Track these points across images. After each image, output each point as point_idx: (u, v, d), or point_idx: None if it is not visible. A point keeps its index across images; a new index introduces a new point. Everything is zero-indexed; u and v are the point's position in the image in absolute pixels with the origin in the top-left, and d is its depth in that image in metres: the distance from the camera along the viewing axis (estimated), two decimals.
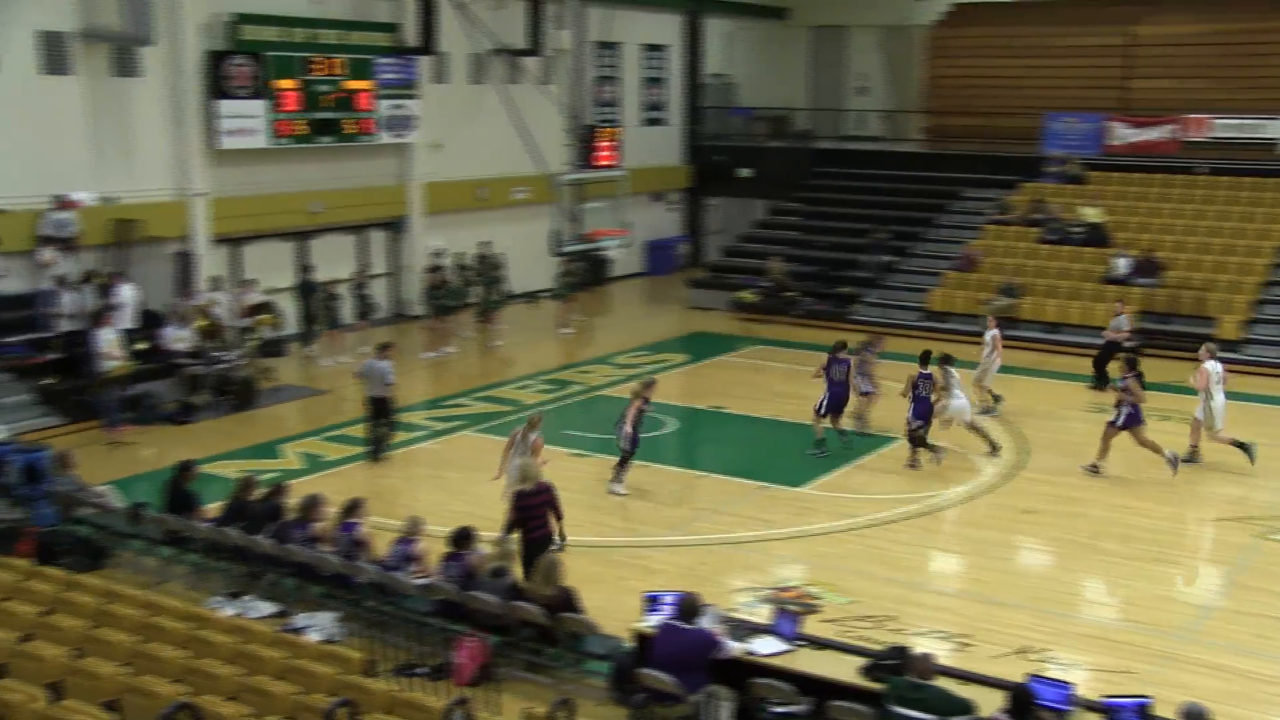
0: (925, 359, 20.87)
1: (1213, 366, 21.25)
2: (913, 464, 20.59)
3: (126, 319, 23.74)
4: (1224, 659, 13.94)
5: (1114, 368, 23.05)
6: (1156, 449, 20.24)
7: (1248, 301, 28.82)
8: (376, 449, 21.30)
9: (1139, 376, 20.48)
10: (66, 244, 24.32)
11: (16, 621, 12.08)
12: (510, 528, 15.28)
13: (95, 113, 25.55)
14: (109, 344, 22.22)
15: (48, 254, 23.72)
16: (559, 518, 15.59)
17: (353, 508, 15.25)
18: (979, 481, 20.05)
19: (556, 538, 15.50)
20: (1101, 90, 37.30)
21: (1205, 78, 36.20)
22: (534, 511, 15.32)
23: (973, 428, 21.36)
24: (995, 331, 24.10)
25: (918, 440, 20.61)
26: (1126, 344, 25.64)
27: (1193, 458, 21.07)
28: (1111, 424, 20.42)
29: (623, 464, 19.61)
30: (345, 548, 14.81)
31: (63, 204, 24.33)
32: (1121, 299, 27.63)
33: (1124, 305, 26.87)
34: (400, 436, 22.19)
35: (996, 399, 23.96)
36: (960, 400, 21.06)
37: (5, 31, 23.99)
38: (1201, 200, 32.57)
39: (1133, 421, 20.19)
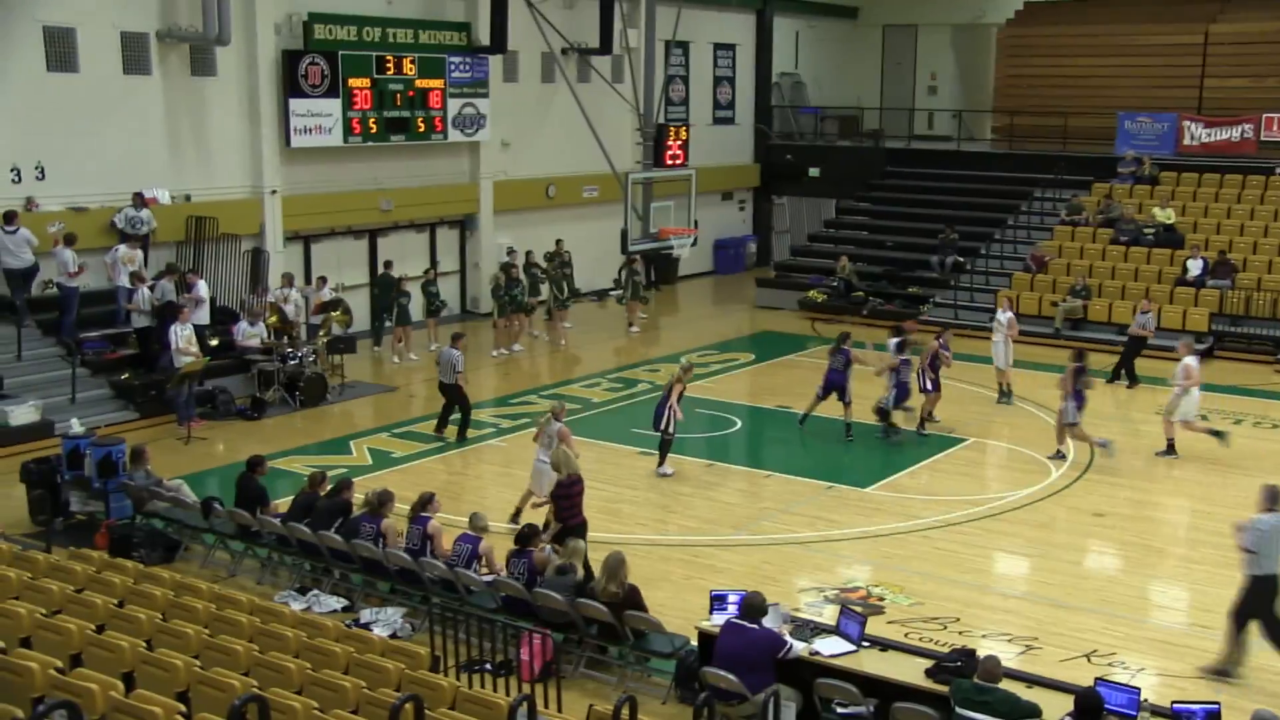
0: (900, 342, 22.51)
1: (1190, 362, 21.41)
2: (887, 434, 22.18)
3: (202, 315, 24.02)
4: None
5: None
6: (1086, 437, 21.00)
7: None
8: (459, 432, 22.25)
9: (1083, 370, 21.09)
10: (141, 241, 24.63)
11: (92, 612, 12.26)
12: (555, 517, 15.92)
13: (173, 112, 25.91)
14: (184, 339, 22.49)
15: (122, 250, 24.03)
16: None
17: (425, 502, 15.37)
18: (1047, 483, 19.92)
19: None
20: (1176, 89, 36.96)
21: None
22: (572, 500, 15.77)
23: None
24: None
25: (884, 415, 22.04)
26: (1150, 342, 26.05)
27: (1169, 450, 21.42)
28: (1070, 424, 21.10)
29: (666, 447, 20.25)
30: (416, 542, 14.94)
31: (143, 201, 24.65)
32: (1147, 296, 27.46)
33: (1150, 303, 26.62)
34: (469, 434, 22.35)
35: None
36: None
37: (88, 32, 24.37)
38: (1277, 200, 32.10)
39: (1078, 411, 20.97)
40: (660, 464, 20.36)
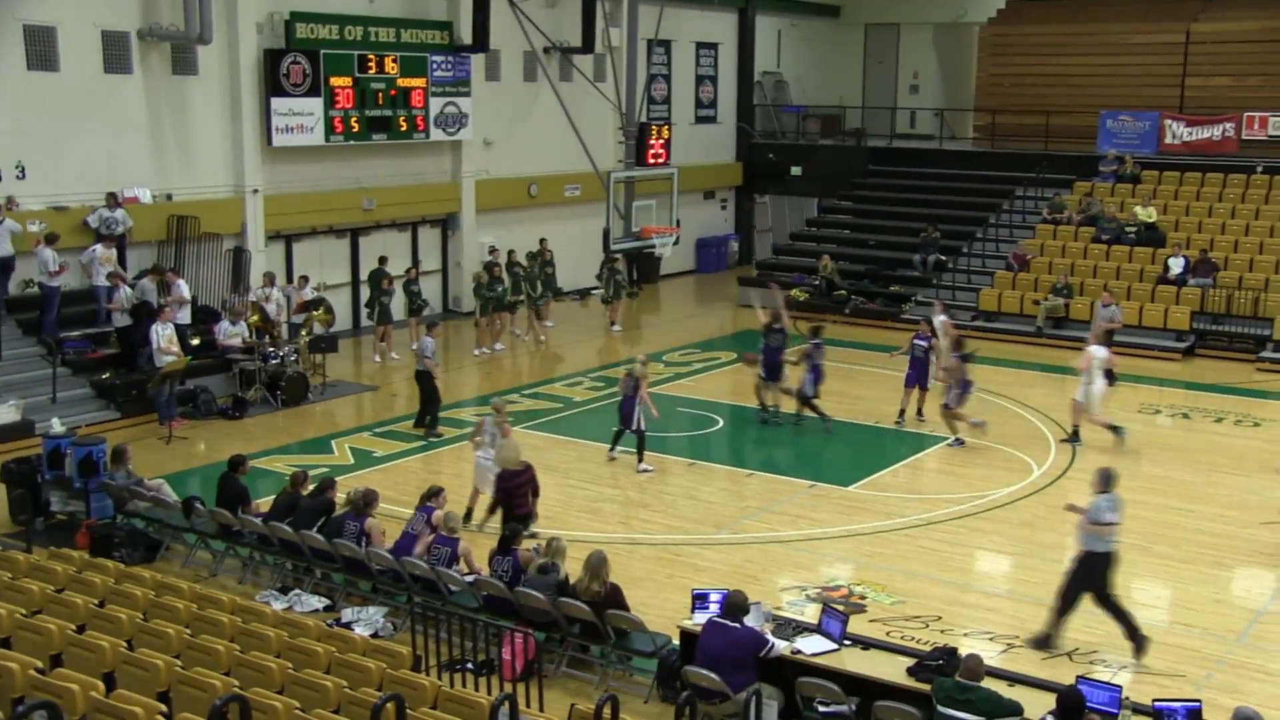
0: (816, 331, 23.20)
1: (1096, 351, 21.66)
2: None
3: (184, 315, 23.95)
4: (1277, 664, 13.83)
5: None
6: (959, 419, 21.68)
7: None
8: (420, 422, 22.55)
9: (966, 358, 21.73)
10: (116, 241, 24.54)
11: (73, 612, 12.24)
12: (494, 509, 16.74)
13: (154, 111, 25.83)
14: (165, 339, 22.45)
15: (99, 250, 23.92)
16: (536, 496, 16.85)
17: (434, 494, 15.51)
18: (1029, 481, 19.96)
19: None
20: (1157, 88, 37.06)
21: (1264, 75, 35.90)
22: (516, 492, 16.44)
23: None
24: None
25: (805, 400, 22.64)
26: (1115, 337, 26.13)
27: (1075, 438, 21.80)
28: (945, 406, 21.66)
29: (643, 443, 20.53)
30: (415, 527, 15.03)
31: (117, 202, 24.56)
32: (1107, 288, 27.49)
33: (1110, 295, 26.63)
34: (450, 433, 22.34)
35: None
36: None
37: (69, 31, 24.30)
38: (1259, 199, 32.22)
39: (963, 399, 21.55)
40: (640, 461, 20.41)
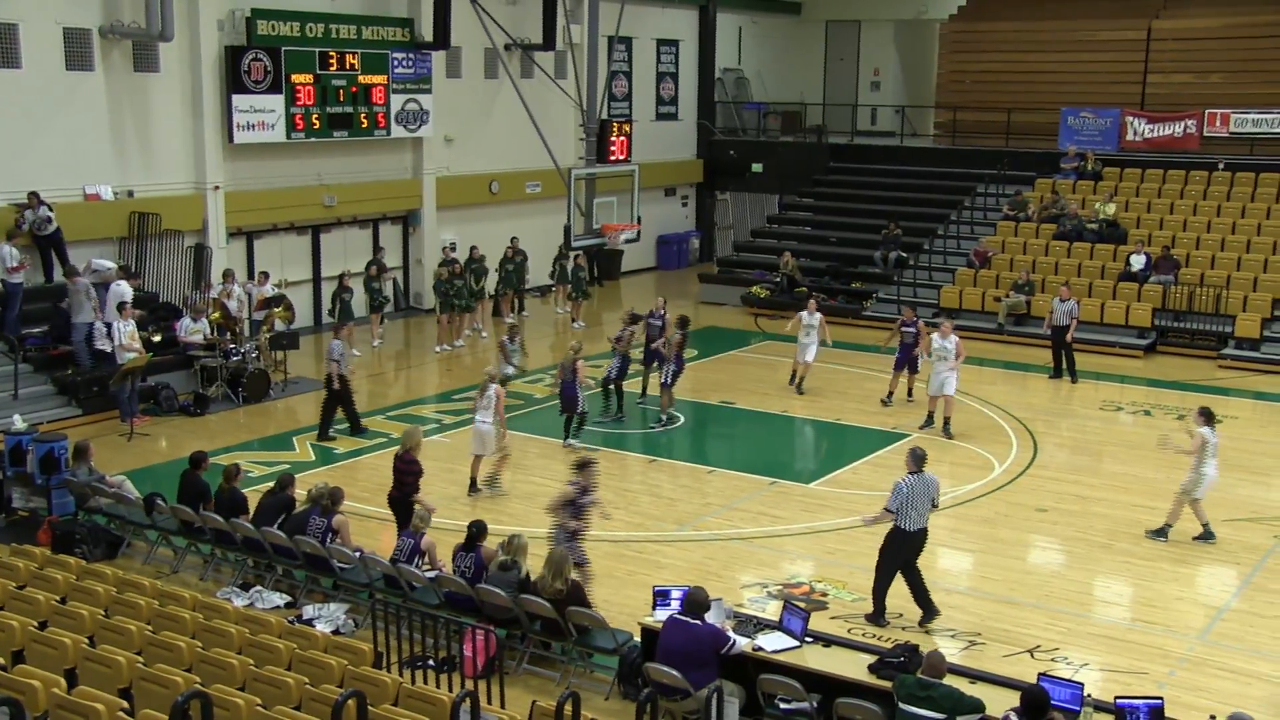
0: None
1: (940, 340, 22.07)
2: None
3: (112, 314, 23.50)
4: (1241, 662, 13.90)
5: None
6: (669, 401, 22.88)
7: (1266, 299, 28.60)
8: (323, 434, 22.10)
9: (686, 336, 23.15)
10: (50, 239, 24.32)
11: (34, 609, 12.18)
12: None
13: (115, 108, 25.68)
14: (126, 336, 22.33)
15: (6, 249, 23.43)
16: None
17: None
18: (990, 479, 20.05)
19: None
20: (1119, 85, 37.28)
21: (1225, 72, 36.19)
22: (405, 477, 16.64)
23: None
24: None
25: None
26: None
27: (943, 428, 22.34)
28: (664, 385, 22.64)
29: (582, 423, 21.56)
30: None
31: (40, 200, 24.12)
32: (1067, 283, 27.67)
33: (1068, 289, 26.79)
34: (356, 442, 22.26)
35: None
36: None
37: (31, 28, 24.14)
38: (1221, 196, 32.43)
39: (677, 376, 22.83)
40: (568, 437, 21.47)
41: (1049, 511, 18.58)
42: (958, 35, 41.14)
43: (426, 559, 14.46)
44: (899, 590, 15.27)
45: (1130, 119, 35.32)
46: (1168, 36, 37.36)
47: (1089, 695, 10.93)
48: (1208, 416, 17.45)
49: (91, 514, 17.16)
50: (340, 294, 27.46)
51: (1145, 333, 28.84)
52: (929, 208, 35.52)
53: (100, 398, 22.73)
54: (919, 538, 14.37)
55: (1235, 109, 34.26)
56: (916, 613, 14.83)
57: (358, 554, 14.78)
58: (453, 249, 30.35)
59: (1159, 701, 10.57)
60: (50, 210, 24.07)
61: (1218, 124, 34.31)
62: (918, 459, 14.33)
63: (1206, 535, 17.31)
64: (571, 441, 21.32)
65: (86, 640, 11.33)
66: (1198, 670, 13.61)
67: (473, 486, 19.01)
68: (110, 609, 12.49)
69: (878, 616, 14.48)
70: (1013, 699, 10.45)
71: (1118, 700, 10.68)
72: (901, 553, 14.37)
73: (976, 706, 10.60)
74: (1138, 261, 30.00)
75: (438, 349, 28.59)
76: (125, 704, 9.85)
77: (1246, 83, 35.70)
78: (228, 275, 26.07)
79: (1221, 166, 33.12)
